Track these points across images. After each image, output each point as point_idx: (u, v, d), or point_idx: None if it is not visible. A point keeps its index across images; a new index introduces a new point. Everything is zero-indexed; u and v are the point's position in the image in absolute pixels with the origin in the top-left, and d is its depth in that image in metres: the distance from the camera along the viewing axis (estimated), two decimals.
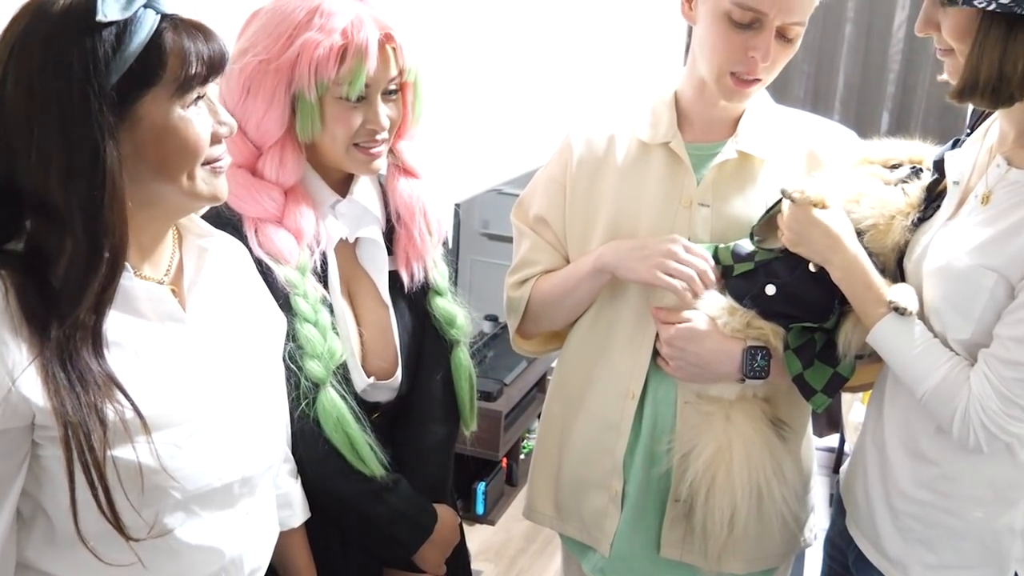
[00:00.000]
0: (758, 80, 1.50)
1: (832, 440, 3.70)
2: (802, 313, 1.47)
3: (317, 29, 1.33)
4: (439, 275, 1.60)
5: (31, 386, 0.99)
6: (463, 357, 1.64)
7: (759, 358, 1.50)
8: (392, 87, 1.44)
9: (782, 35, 1.46)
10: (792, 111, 1.69)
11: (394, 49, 1.41)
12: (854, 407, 3.38)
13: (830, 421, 3.31)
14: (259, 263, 1.39)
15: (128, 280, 1.08)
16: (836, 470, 3.72)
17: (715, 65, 1.50)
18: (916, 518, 1.40)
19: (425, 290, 1.59)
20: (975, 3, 1.18)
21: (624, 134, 1.64)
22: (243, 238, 1.40)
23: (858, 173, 1.48)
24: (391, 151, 1.54)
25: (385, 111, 1.43)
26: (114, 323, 1.07)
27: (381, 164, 1.48)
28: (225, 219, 1.41)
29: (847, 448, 3.49)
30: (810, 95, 3.72)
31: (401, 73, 1.43)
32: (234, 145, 1.40)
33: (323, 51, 1.33)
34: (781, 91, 1.58)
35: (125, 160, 1.02)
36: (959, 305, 1.29)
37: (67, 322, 1.00)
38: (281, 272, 1.40)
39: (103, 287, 1.02)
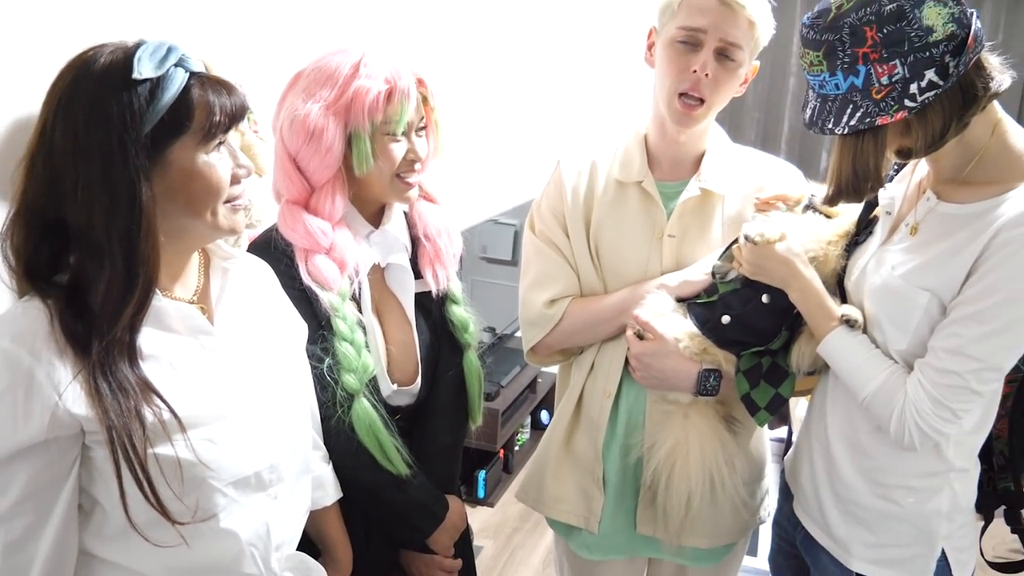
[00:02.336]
0: (702, 102, 1.46)
1: (781, 432, 3.70)
2: (752, 339, 1.47)
3: (364, 77, 1.36)
4: (455, 287, 1.61)
5: (76, 399, 0.99)
6: (474, 359, 1.65)
7: (711, 379, 1.49)
8: (421, 124, 1.45)
9: (723, 56, 1.45)
10: (746, 149, 1.69)
11: (424, 92, 1.44)
12: (800, 403, 3.38)
13: (780, 416, 3.32)
14: (306, 289, 1.40)
15: (159, 301, 1.07)
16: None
17: (666, 89, 1.49)
18: (857, 503, 1.39)
19: (443, 300, 1.59)
20: (836, 132, 1.23)
21: (603, 168, 1.63)
22: (295, 266, 1.40)
23: (791, 216, 1.48)
24: None
25: (419, 144, 1.45)
26: (150, 339, 1.07)
27: (415, 194, 1.49)
28: (280, 249, 1.42)
29: (795, 439, 3.50)
30: (760, 137, 3.76)
31: (429, 113, 1.46)
32: (291, 184, 1.42)
33: (373, 95, 1.35)
34: (735, 134, 1.57)
35: (157, 198, 1.02)
36: (897, 320, 1.28)
37: (106, 340, 1.00)
38: (325, 297, 1.40)
39: (137, 309, 1.02)
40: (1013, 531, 1.43)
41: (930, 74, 1.14)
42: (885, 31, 1.14)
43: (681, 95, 1.47)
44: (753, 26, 1.45)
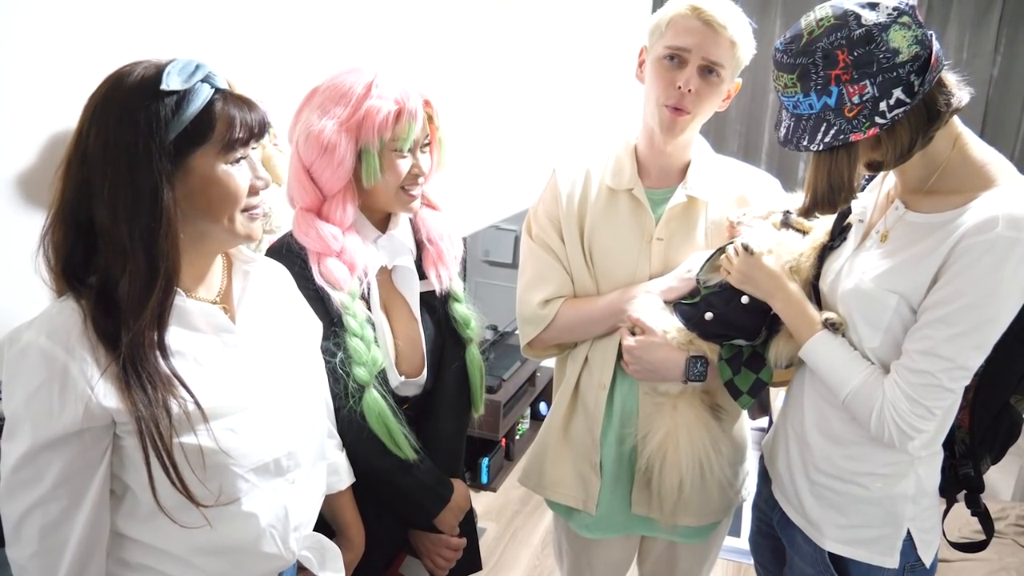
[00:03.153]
0: (687, 112, 1.48)
1: (762, 422, 3.70)
2: (733, 332, 1.48)
3: (376, 98, 1.36)
4: (457, 287, 1.62)
5: (107, 393, 0.99)
6: (475, 353, 1.65)
7: (698, 365, 1.50)
8: (426, 141, 1.46)
9: (705, 73, 1.47)
10: (728, 159, 1.69)
11: (430, 112, 1.44)
12: (780, 395, 3.38)
13: (761, 406, 3.33)
14: (319, 289, 1.40)
15: (184, 302, 1.08)
16: None
17: (654, 101, 1.50)
18: (829, 488, 1.40)
19: (446, 299, 1.60)
20: (810, 148, 1.22)
21: (596, 176, 1.63)
22: (308, 268, 1.41)
23: (768, 226, 1.48)
24: None
25: (423, 160, 1.45)
26: (177, 337, 1.07)
27: (417, 204, 1.50)
28: (295, 252, 1.42)
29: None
30: (742, 149, 3.73)
31: (433, 131, 1.46)
32: (304, 192, 1.42)
33: (383, 115, 1.35)
34: (719, 146, 1.58)
35: (179, 202, 1.03)
36: (869, 320, 1.28)
37: (132, 334, 1.00)
38: (337, 297, 1.40)
39: (158, 303, 1.02)
40: (973, 514, 1.43)
41: (897, 92, 1.15)
42: (856, 54, 1.14)
43: (667, 106, 1.48)
44: (735, 46, 1.46)
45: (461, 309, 1.61)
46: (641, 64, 1.56)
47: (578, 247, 1.61)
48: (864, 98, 1.16)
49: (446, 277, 1.58)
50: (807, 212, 1.32)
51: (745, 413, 1.75)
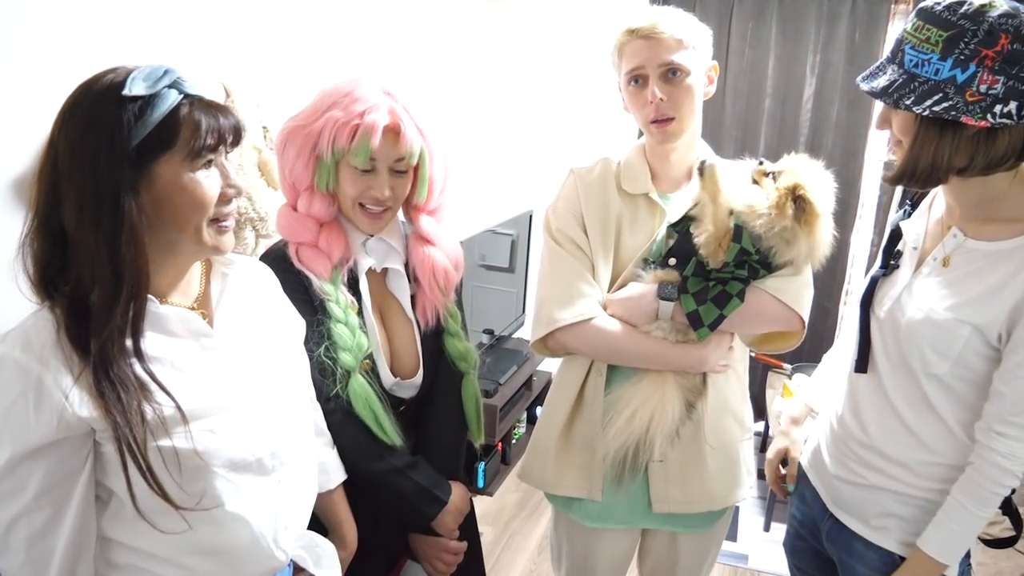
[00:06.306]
0: (671, 119, 1.51)
1: (758, 426, 3.72)
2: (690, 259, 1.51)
3: (341, 108, 1.36)
4: (452, 320, 1.59)
5: (82, 402, 0.99)
6: (471, 385, 1.63)
7: (668, 288, 1.51)
8: (400, 167, 1.43)
9: (669, 76, 1.50)
10: (729, 161, 1.69)
11: (398, 136, 1.40)
12: (776, 400, 3.38)
13: (756, 409, 3.34)
14: (301, 275, 1.42)
15: (159, 308, 1.08)
16: (763, 450, 3.75)
17: (640, 122, 1.55)
18: (905, 493, 1.39)
19: (440, 331, 1.58)
20: (914, 109, 1.19)
21: (612, 180, 1.64)
22: (290, 260, 1.44)
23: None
24: (411, 221, 1.55)
25: (388, 183, 1.42)
26: (154, 343, 1.07)
27: (380, 227, 1.49)
28: (281, 248, 1.45)
29: (771, 432, 3.52)
30: (738, 153, 3.73)
31: (403, 158, 1.42)
32: (285, 187, 1.47)
33: (340, 126, 1.36)
34: (716, 150, 1.59)
35: (145, 209, 1.02)
36: (939, 349, 1.28)
37: (102, 340, 0.99)
38: (317, 283, 1.42)
39: (126, 309, 1.01)
40: (1004, 513, 1.42)
41: (1014, 104, 1.15)
42: (1014, 47, 1.13)
43: (652, 123, 1.52)
44: (681, 42, 1.49)
45: (455, 344, 1.59)
46: (623, 98, 1.60)
47: (599, 242, 1.60)
48: (990, 91, 1.15)
49: (431, 316, 1.55)
50: (894, 181, 1.29)
51: (749, 418, 1.74)
